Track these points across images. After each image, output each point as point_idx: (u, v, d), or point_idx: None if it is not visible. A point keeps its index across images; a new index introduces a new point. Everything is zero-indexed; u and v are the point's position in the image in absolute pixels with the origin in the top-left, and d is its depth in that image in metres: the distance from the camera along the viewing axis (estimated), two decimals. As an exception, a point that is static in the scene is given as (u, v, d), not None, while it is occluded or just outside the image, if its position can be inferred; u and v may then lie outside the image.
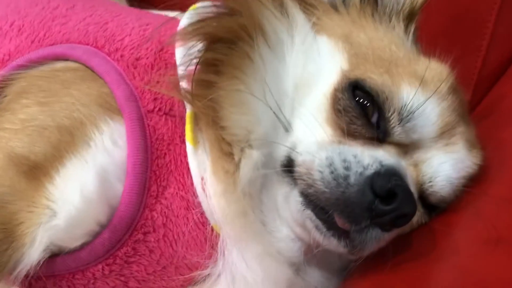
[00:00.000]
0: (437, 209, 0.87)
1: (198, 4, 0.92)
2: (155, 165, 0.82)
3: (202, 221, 0.84)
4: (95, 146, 0.79)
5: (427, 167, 0.83)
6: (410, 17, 0.91)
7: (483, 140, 0.88)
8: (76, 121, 0.80)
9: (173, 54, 0.88)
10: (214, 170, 0.80)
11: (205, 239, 0.85)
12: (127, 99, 0.83)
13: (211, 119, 0.79)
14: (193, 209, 0.84)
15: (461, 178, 0.84)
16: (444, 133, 0.83)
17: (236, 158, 0.80)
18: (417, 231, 0.84)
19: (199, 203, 0.83)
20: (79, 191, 0.76)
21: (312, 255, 0.87)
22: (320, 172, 0.76)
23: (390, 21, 0.91)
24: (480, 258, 0.69)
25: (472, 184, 0.85)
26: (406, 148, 0.83)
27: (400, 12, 0.91)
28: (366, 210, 0.74)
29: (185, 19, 0.90)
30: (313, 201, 0.78)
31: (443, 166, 0.83)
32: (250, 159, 0.79)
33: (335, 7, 0.92)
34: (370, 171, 0.75)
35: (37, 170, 0.76)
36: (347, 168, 0.75)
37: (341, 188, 0.75)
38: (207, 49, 0.79)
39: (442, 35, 1.02)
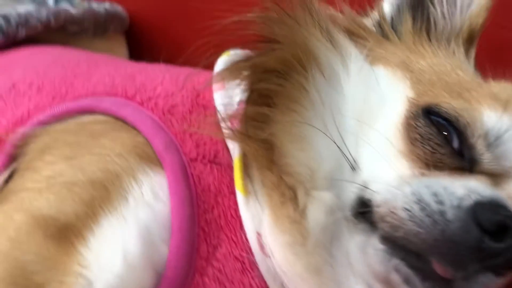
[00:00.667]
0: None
1: (231, 51, 0.85)
2: (203, 221, 0.71)
3: (261, 287, 0.70)
4: (134, 201, 0.68)
5: None
6: (470, 41, 0.84)
7: None
8: (111, 174, 0.69)
9: (210, 99, 0.80)
10: (276, 220, 0.68)
11: None
12: (166, 147, 0.72)
13: (268, 160, 0.68)
14: (250, 272, 0.70)
15: None
16: None
17: (301, 203, 0.68)
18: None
19: (255, 265, 0.70)
20: (120, 255, 0.63)
21: None
22: (408, 210, 0.64)
23: (449, 45, 0.83)
24: None
25: None
26: (497, 178, 0.71)
27: (459, 36, 0.83)
28: (474, 250, 0.61)
29: (219, 65, 0.82)
30: (402, 246, 0.65)
31: None
32: (320, 203, 0.68)
33: (386, 37, 0.84)
34: (468, 203, 0.63)
35: (68, 232, 0.64)
36: (440, 203, 0.63)
37: (439, 225, 0.62)
38: (259, 79, 0.70)
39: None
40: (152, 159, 0.72)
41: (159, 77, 0.87)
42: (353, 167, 0.72)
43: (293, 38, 0.73)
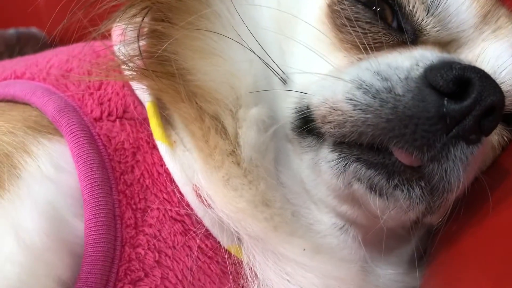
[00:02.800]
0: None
1: None
2: (122, 184, 0.58)
3: (212, 245, 0.58)
4: (30, 176, 0.55)
5: (483, 63, 0.61)
6: None
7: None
8: None
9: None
10: (206, 157, 0.56)
11: (222, 271, 0.58)
12: (60, 111, 0.60)
13: (181, 91, 0.57)
14: (193, 231, 0.58)
15: None
16: (487, 17, 0.62)
17: (230, 129, 0.57)
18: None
19: (199, 221, 0.58)
20: (14, 238, 0.50)
21: (374, 245, 0.61)
22: (349, 100, 0.53)
23: None
24: None
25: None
26: (448, 46, 0.61)
27: None
28: (435, 120, 0.50)
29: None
30: (355, 145, 0.53)
31: (503, 55, 0.61)
32: (250, 121, 0.56)
33: None
34: (418, 71, 0.52)
35: None
36: (385, 80, 0.52)
37: (389, 103, 0.51)
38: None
39: None
40: (48, 128, 0.60)
41: (55, 52, 0.76)
42: (283, 80, 0.61)
43: None
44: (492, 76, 0.59)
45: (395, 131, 0.51)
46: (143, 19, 0.59)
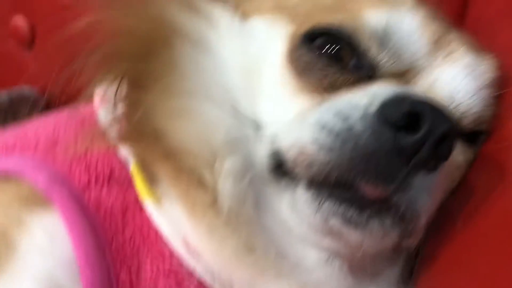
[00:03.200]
0: (479, 135, 0.66)
1: None
2: (115, 246, 0.62)
3: None
4: (27, 250, 0.59)
5: (440, 88, 0.64)
6: None
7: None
8: None
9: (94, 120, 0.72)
10: (190, 211, 0.60)
11: None
12: (51, 183, 0.64)
13: (160, 151, 0.61)
14: (187, 282, 0.61)
15: (484, 87, 0.66)
16: (438, 43, 0.66)
17: (209, 181, 0.60)
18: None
19: (191, 272, 0.61)
20: None
21: (360, 272, 0.63)
22: (314, 141, 0.56)
23: None
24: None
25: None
26: (406, 76, 0.65)
27: None
28: (393, 153, 0.53)
29: None
30: (326, 184, 0.57)
31: (457, 79, 0.65)
32: (225, 172, 0.60)
33: None
34: (374, 106, 0.55)
35: None
36: (345, 119, 0.56)
37: (350, 143, 0.54)
38: (122, 69, 0.63)
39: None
40: (40, 200, 0.63)
41: (43, 121, 0.80)
42: (254, 125, 0.64)
43: (148, 13, 0.67)
44: (449, 99, 0.63)
45: (358, 168, 0.54)
46: (118, 88, 0.63)
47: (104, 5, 0.67)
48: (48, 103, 1.48)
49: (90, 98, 0.74)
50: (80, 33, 0.69)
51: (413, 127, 0.53)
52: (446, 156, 0.55)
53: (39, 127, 0.77)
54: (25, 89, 1.50)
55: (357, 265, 0.63)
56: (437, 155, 0.54)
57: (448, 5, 0.79)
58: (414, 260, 0.66)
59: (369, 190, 0.55)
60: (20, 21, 1.57)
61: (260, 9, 0.74)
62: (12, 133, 0.79)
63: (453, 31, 0.69)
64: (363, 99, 0.57)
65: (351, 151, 0.54)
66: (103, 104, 0.71)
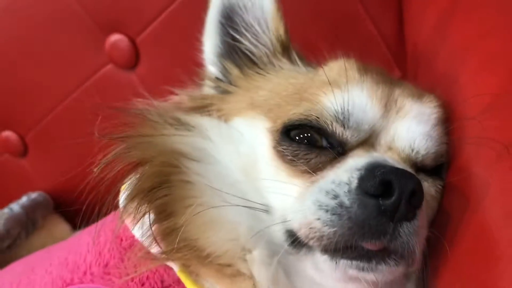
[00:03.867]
0: (441, 167, 0.81)
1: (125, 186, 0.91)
2: None
3: None
4: None
5: (399, 141, 0.79)
6: (285, 49, 0.93)
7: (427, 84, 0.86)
8: None
9: (131, 236, 0.85)
10: None
11: None
12: None
13: (199, 257, 0.75)
14: None
15: (434, 126, 0.81)
16: (387, 105, 0.81)
17: (245, 271, 0.74)
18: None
19: None
20: None
21: None
22: (318, 219, 0.71)
23: (274, 65, 0.92)
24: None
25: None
26: (370, 142, 0.80)
27: (275, 52, 0.92)
28: (380, 216, 0.68)
29: (122, 201, 0.88)
30: (337, 248, 0.71)
31: (411, 129, 0.80)
32: (256, 261, 0.74)
33: (227, 92, 0.93)
34: (355, 182, 0.70)
35: None
36: (335, 196, 0.71)
37: (345, 217, 0.69)
38: (149, 201, 0.76)
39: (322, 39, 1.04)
40: None
41: (83, 246, 0.92)
42: (267, 211, 0.79)
43: (152, 149, 0.80)
44: (408, 148, 0.79)
45: (358, 233, 0.69)
46: (150, 223, 0.76)
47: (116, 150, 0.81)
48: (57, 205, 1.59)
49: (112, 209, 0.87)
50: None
51: (388, 192, 0.68)
52: (419, 204, 0.70)
53: (85, 255, 0.90)
54: (33, 195, 1.60)
55: None
56: (412, 206, 0.69)
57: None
58: (423, 276, 0.81)
59: (371, 246, 0.70)
60: (10, 135, 1.68)
61: (238, 110, 0.88)
62: (63, 267, 0.91)
63: (396, 86, 0.85)
64: (344, 176, 0.72)
65: (347, 222, 0.69)
66: (135, 224, 0.84)
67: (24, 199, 1.53)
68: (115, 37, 1.56)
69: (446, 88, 0.85)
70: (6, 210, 1.43)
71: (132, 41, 1.56)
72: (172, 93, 0.96)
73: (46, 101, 1.57)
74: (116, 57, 1.57)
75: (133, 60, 1.57)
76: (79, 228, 1.41)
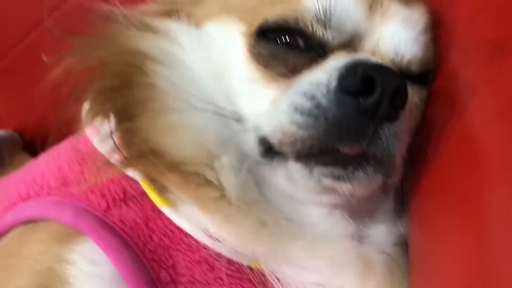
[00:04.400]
0: (428, 75, 0.76)
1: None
2: (149, 252, 0.70)
3: (236, 268, 0.71)
4: (77, 279, 0.67)
5: (384, 45, 0.73)
6: None
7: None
8: (43, 273, 0.68)
9: (92, 149, 0.79)
10: (204, 207, 0.69)
11: (251, 283, 0.71)
12: (76, 216, 0.72)
13: (163, 164, 0.69)
14: (218, 263, 0.70)
15: (421, 33, 0.75)
16: (372, 7, 0.74)
17: (213, 179, 0.69)
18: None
19: (219, 254, 0.71)
20: None
21: (359, 214, 0.74)
22: (292, 122, 0.65)
23: None
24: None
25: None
26: (353, 45, 0.74)
27: None
28: (359, 116, 0.62)
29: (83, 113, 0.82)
30: (310, 153, 0.66)
31: (396, 33, 0.74)
32: (225, 168, 0.68)
33: None
34: (334, 82, 0.64)
35: None
36: (312, 97, 0.65)
37: (321, 118, 0.64)
38: (109, 101, 0.70)
39: None
40: (72, 234, 0.71)
41: (42, 163, 0.87)
42: (238, 119, 0.73)
43: (115, 48, 0.74)
44: (393, 53, 0.73)
45: (334, 136, 0.64)
46: (110, 122, 0.70)
47: (74, 50, 0.74)
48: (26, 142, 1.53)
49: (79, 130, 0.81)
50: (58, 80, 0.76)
51: (370, 90, 0.62)
52: (402, 105, 0.64)
53: (43, 170, 0.84)
54: (1, 132, 1.55)
55: (355, 210, 0.73)
56: (395, 106, 0.63)
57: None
58: (402, 192, 0.77)
59: (348, 149, 0.65)
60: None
61: (210, 14, 0.81)
62: (21, 183, 0.86)
63: None
64: (322, 76, 0.66)
65: (324, 124, 0.63)
66: (96, 135, 0.78)
67: (-5, 133, 1.47)
68: None
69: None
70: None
71: None
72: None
73: (11, 35, 1.48)
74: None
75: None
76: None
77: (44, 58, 0.78)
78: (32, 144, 1.56)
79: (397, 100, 0.63)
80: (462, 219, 0.58)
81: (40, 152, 1.01)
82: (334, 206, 0.73)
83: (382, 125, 0.63)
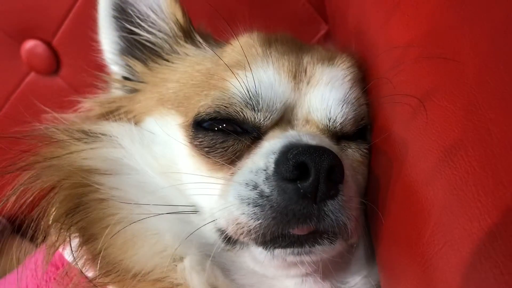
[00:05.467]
0: (365, 129, 0.78)
1: None
2: None
3: None
4: None
5: (314, 112, 0.75)
6: (187, 33, 0.86)
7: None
8: None
9: (68, 263, 0.81)
10: None
11: None
12: None
13: (130, 276, 0.70)
14: None
15: (349, 89, 0.77)
16: (297, 76, 0.76)
17: (180, 280, 0.71)
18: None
19: None
20: None
21: (331, 274, 0.76)
22: (242, 214, 0.67)
23: (179, 53, 0.85)
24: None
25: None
26: (286, 118, 0.75)
27: (176, 39, 0.86)
28: (302, 200, 0.64)
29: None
30: (266, 240, 0.68)
31: (324, 98, 0.75)
32: (187, 268, 0.70)
33: (133, 90, 0.87)
34: (271, 168, 0.66)
35: None
36: (254, 186, 0.67)
37: (267, 207, 0.66)
38: (69, 226, 0.72)
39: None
40: None
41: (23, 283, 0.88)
42: (195, 211, 0.74)
43: (59, 171, 0.75)
44: (325, 118, 0.74)
45: (283, 222, 0.65)
46: (75, 248, 0.71)
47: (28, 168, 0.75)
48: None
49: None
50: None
51: (305, 174, 0.63)
52: (340, 179, 0.66)
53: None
54: None
55: (326, 272, 0.75)
56: (333, 182, 0.65)
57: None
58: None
59: (299, 231, 0.67)
60: None
61: (149, 109, 0.83)
62: None
63: (305, 53, 0.79)
64: (260, 162, 0.68)
65: (270, 212, 0.65)
66: (66, 249, 0.79)
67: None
68: (30, 44, 1.48)
69: (359, 43, 0.80)
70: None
71: (48, 44, 1.47)
72: (80, 102, 0.90)
73: None
74: (36, 64, 1.50)
75: (54, 64, 1.50)
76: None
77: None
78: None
79: (334, 177, 0.65)
80: (411, 261, 0.61)
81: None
82: (305, 274, 0.74)
83: (325, 203, 0.65)
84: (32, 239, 0.98)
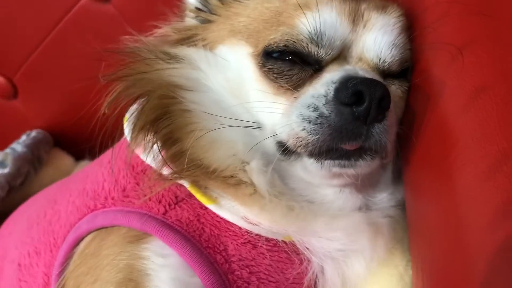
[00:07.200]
0: (407, 70, 0.92)
1: (127, 115, 1.00)
2: (204, 241, 0.89)
3: (273, 243, 0.90)
4: (154, 270, 0.86)
5: (367, 52, 0.89)
6: None
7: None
8: (125, 269, 0.87)
9: (142, 162, 0.96)
10: (242, 202, 0.87)
11: (287, 254, 0.91)
12: (142, 222, 0.90)
13: (205, 173, 0.87)
14: (259, 242, 0.90)
15: (398, 35, 0.90)
16: (355, 20, 0.89)
17: (246, 179, 0.87)
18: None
19: (258, 235, 0.90)
20: None
21: (364, 188, 0.92)
22: (303, 130, 0.83)
23: None
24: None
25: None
26: (343, 55, 0.89)
27: None
28: (355, 121, 0.79)
29: (126, 131, 0.99)
30: (320, 152, 0.84)
31: (377, 40, 0.89)
32: (254, 170, 0.86)
33: (208, 21, 1.00)
34: (331, 94, 0.81)
35: None
36: (315, 109, 0.82)
37: (325, 125, 0.81)
38: (155, 131, 0.86)
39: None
40: (141, 236, 0.90)
41: (99, 176, 1.03)
42: (259, 127, 0.90)
43: (150, 84, 0.89)
44: (376, 58, 0.89)
45: (338, 138, 0.81)
46: (160, 150, 0.87)
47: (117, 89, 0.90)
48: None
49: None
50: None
51: (360, 100, 0.79)
52: (387, 107, 0.81)
53: (102, 183, 1.00)
54: (32, 133, 1.66)
55: (361, 186, 0.92)
56: (382, 109, 0.80)
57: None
58: (398, 165, 0.95)
59: (349, 147, 0.83)
60: (-1, 78, 1.70)
61: (221, 38, 0.96)
62: (84, 195, 1.01)
63: (362, 1, 0.93)
64: (321, 90, 0.83)
65: (328, 129, 0.81)
66: (145, 152, 0.95)
67: (24, 138, 1.59)
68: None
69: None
70: (8, 151, 1.51)
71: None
72: (155, 27, 1.03)
73: (29, 40, 1.58)
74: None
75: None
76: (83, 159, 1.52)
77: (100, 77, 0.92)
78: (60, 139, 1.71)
79: (383, 105, 0.80)
80: (439, 185, 0.76)
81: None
82: (344, 185, 0.91)
83: (373, 125, 0.81)
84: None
